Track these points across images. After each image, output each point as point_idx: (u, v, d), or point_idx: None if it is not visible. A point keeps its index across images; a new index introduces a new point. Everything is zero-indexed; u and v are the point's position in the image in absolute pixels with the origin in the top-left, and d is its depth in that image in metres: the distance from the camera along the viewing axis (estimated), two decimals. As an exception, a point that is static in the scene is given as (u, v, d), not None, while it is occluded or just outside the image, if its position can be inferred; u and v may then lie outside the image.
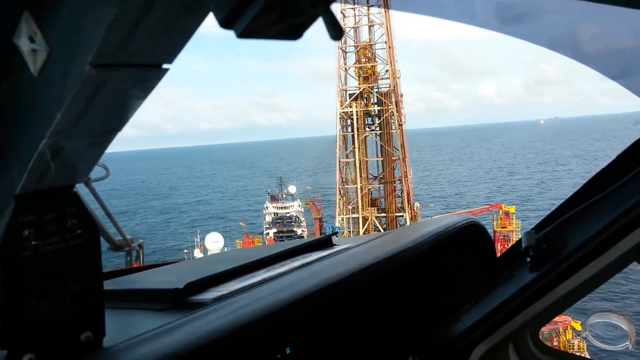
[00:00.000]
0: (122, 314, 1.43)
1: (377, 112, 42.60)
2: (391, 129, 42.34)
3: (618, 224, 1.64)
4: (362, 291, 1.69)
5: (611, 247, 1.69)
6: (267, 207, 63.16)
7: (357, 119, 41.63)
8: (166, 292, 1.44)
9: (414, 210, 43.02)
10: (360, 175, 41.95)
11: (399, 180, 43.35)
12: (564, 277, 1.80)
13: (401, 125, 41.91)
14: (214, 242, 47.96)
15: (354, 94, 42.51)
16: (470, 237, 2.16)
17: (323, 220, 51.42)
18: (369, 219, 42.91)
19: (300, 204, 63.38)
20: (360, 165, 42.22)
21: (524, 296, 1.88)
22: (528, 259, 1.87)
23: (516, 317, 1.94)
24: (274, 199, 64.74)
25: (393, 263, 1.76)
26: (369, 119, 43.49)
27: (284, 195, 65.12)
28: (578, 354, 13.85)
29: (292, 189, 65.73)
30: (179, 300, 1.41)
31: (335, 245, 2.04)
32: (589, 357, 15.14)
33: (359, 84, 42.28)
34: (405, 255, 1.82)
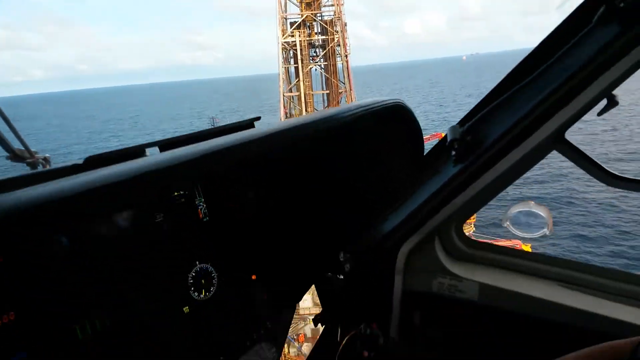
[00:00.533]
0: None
1: (321, 42, 40.33)
2: (336, 61, 40.45)
3: (535, 113, 1.64)
4: (287, 161, 1.63)
5: (530, 135, 1.69)
6: None
7: (300, 49, 39.28)
8: (64, 169, 1.35)
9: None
10: (306, 110, 40.24)
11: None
12: (485, 169, 1.82)
13: (347, 56, 40.07)
14: None
15: (296, 22, 39.81)
16: (397, 115, 2.09)
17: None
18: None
19: None
20: (305, 99, 40.37)
21: (448, 190, 1.91)
22: (453, 153, 1.87)
23: (441, 211, 1.98)
24: None
25: (316, 129, 1.70)
26: (313, 50, 41.18)
27: None
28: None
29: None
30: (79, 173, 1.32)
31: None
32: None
33: (301, 10, 39.53)
34: (328, 124, 1.76)
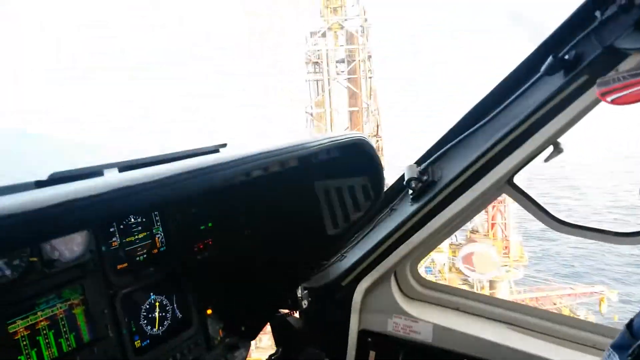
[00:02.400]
0: None
1: (346, 54, 35.08)
2: (362, 74, 35.33)
3: (487, 156, 1.76)
4: (250, 186, 1.61)
5: (482, 177, 1.83)
6: None
7: (327, 60, 33.93)
8: (26, 185, 1.27)
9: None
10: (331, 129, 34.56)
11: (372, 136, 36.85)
12: (441, 208, 1.93)
13: (370, 72, 35.06)
14: None
15: (320, 31, 34.51)
16: (359, 150, 2.05)
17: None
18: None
19: None
20: (330, 115, 34.68)
21: (405, 229, 2.02)
22: (410, 192, 2.00)
23: (397, 250, 2.09)
24: None
25: (280, 157, 1.65)
26: (336, 63, 35.88)
27: None
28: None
29: None
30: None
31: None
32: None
33: (327, 15, 34.28)
34: (294, 152, 1.71)
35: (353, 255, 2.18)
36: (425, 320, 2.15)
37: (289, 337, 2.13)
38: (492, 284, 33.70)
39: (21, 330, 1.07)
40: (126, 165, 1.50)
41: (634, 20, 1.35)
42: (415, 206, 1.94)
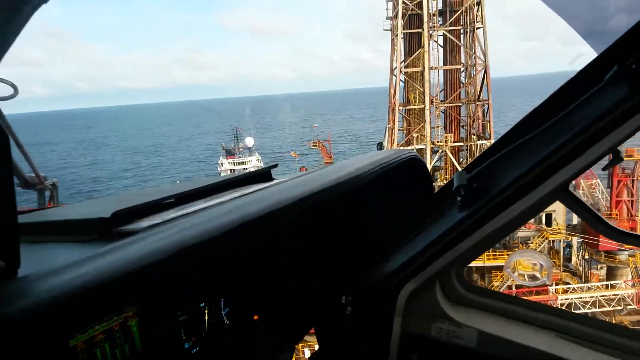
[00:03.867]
0: (41, 247, 1.31)
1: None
2: (472, 26, 31.07)
3: (542, 165, 1.70)
4: (297, 223, 1.65)
5: (537, 186, 1.75)
6: (222, 164, 58.34)
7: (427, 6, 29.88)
8: (90, 223, 1.33)
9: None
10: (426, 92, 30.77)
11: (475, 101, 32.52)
12: (490, 216, 1.85)
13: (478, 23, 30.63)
14: None
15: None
16: (410, 170, 2.14)
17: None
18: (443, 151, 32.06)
19: (259, 158, 59.21)
20: (428, 75, 30.79)
21: (452, 236, 1.93)
22: (459, 198, 1.90)
23: (443, 256, 1.99)
24: (229, 153, 59.63)
25: (332, 194, 1.70)
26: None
27: (241, 149, 59.93)
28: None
29: (249, 141, 60.27)
30: (106, 230, 1.30)
31: (275, 179, 1.97)
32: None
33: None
34: (345, 187, 1.76)
35: (398, 259, 2.08)
36: (469, 325, 2.06)
37: (332, 339, 2.20)
38: (611, 272, 29.39)
39: (80, 344, 1.12)
40: (183, 195, 1.59)
41: None
42: (464, 213, 1.88)
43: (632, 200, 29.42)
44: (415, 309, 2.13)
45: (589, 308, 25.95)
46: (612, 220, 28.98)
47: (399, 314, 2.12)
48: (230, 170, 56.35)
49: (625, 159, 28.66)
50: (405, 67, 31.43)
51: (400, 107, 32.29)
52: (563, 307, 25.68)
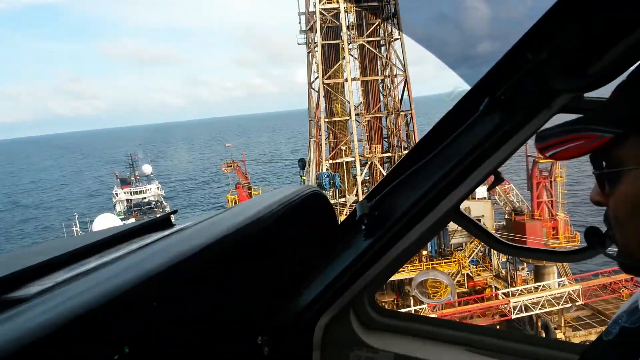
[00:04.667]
0: None
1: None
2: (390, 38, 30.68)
3: (435, 190, 1.81)
4: (205, 272, 1.60)
5: (431, 210, 1.86)
6: (116, 194, 54.56)
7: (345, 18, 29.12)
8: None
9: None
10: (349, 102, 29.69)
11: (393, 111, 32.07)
12: (393, 242, 1.93)
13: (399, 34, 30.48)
14: (112, 226, 33.33)
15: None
16: (313, 205, 2.18)
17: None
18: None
19: (159, 186, 55.74)
20: (350, 87, 29.73)
21: (360, 264, 1.98)
22: (363, 227, 1.96)
23: (354, 285, 2.03)
24: (124, 182, 55.41)
25: (234, 240, 1.68)
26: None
27: (138, 177, 55.84)
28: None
29: (146, 168, 56.84)
30: None
31: (175, 224, 1.91)
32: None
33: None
34: (251, 229, 1.77)
35: (311, 293, 2.08)
36: (386, 350, 2.13)
37: None
38: (538, 272, 30.32)
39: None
40: (75, 252, 1.47)
41: (563, 63, 1.51)
42: (369, 241, 1.95)
43: (552, 201, 30.65)
44: (332, 340, 2.17)
45: (539, 309, 26.30)
46: (536, 221, 30.14)
47: (317, 347, 2.16)
48: (127, 200, 52.65)
49: (540, 161, 30.22)
50: (327, 78, 30.23)
51: (325, 120, 30.90)
52: (515, 310, 26.41)
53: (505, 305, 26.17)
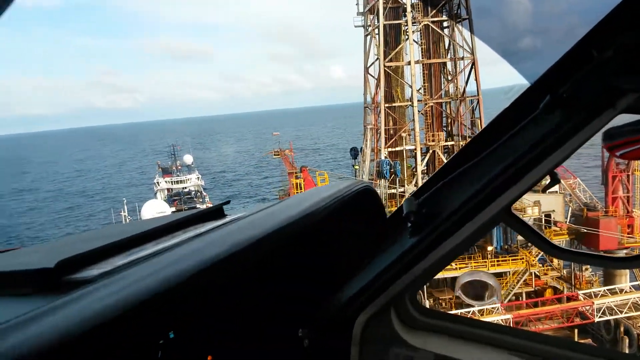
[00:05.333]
0: None
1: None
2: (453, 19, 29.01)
3: (487, 189, 1.77)
4: (254, 264, 1.61)
5: (481, 210, 1.81)
6: (158, 183, 54.70)
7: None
8: (31, 274, 1.23)
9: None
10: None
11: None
12: (439, 241, 1.89)
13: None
14: (159, 212, 34.34)
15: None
16: (364, 201, 2.19)
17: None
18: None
19: (199, 176, 55.96)
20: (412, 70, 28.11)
21: (404, 262, 1.96)
22: (409, 224, 1.94)
23: (396, 282, 2.02)
24: (166, 172, 56.04)
25: (287, 233, 1.70)
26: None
27: (179, 167, 56.33)
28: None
29: (188, 158, 57.32)
30: (50, 281, 1.20)
31: (227, 215, 1.96)
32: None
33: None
34: (300, 225, 1.77)
35: (352, 288, 2.08)
36: (426, 349, 2.11)
37: None
38: (608, 274, 28.12)
39: None
40: (132, 239, 1.53)
41: (630, 61, 1.46)
42: (415, 239, 1.92)
43: (628, 196, 28.35)
44: (372, 336, 2.16)
45: (625, 313, 24.21)
46: (611, 217, 28.01)
47: (356, 343, 2.15)
48: (168, 189, 52.82)
49: (619, 153, 27.84)
50: (388, 61, 28.67)
51: (385, 106, 29.36)
52: (599, 313, 24.59)
53: (588, 307, 24.20)
